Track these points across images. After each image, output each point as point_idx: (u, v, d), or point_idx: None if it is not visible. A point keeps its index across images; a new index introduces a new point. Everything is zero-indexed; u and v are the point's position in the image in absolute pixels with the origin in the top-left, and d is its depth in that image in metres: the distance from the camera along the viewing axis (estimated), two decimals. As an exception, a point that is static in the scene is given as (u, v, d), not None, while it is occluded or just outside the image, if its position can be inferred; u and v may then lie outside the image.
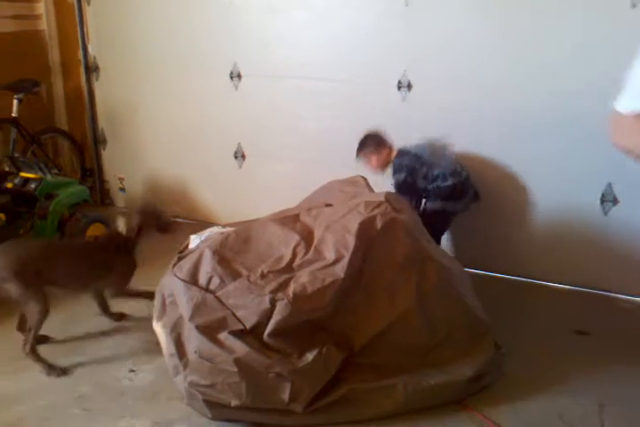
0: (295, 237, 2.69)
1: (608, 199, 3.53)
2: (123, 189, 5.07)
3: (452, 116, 3.73)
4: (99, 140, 5.04)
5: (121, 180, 5.05)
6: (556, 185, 3.63)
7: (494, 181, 3.75)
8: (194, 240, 3.02)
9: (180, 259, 2.89)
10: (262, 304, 2.44)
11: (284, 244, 2.69)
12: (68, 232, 3.81)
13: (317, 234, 2.68)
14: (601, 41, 3.33)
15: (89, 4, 4.70)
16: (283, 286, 2.47)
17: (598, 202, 3.55)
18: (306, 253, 2.61)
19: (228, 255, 2.70)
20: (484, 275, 3.76)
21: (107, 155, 5.07)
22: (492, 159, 3.73)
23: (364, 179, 3.26)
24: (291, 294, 2.43)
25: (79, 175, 5.03)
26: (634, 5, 3.21)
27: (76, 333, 3.14)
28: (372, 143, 3.61)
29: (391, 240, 2.61)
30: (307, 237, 2.69)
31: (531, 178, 3.69)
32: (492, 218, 3.81)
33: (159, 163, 4.83)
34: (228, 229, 3.01)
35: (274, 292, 2.46)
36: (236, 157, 4.52)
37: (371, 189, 3.17)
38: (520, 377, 2.78)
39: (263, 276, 2.55)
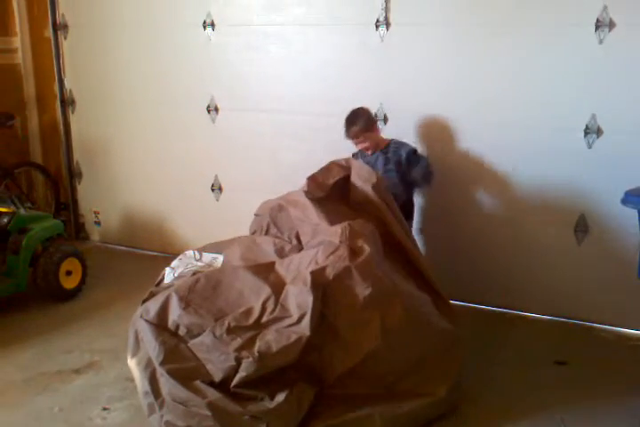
0: (266, 290, 2.63)
1: (582, 229, 3.57)
2: (98, 223, 5.03)
3: (427, 149, 3.77)
4: (74, 174, 5.01)
5: (96, 213, 5.00)
6: (531, 216, 3.67)
7: (469, 210, 3.79)
8: (168, 274, 2.99)
9: (151, 294, 2.85)
10: (227, 361, 2.40)
11: (255, 295, 2.64)
12: (41, 267, 3.75)
13: (286, 287, 2.63)
14: (569, 76, 3.41)
15: (65, 38, 4.73)
16: (248, 344, 2.43)
17: (572, 232, 3.59)
18: (274, 310, 2.55)
19: (196, 301, 2.64)
20: (463, 306, 3.75)
21: (82, 188, 5.03)
22: (465, 186, 3.77)
23: (309, 195, 3.07)
24: (256, 353, 2.38)
25: (54, 209, 4.98)
26: (601, 42, 3.30)
27: (46, 369, 3.06)
28: (368, 120, 3.55)
29: (347, 286, 2.56)
30: (278, 290, 2.63)
31: (502, 207, 3.73)
32: (470, 250, 3.83)
33: (135, 196, 4.80)
34: (200, 264, 2.97)
35: (239, 350, 2.41)
36: (213, 190, 4.52)
37: (316, 207, 2.98)
38: (495, 406, 2.78)
39: (229, 331, 2.49)
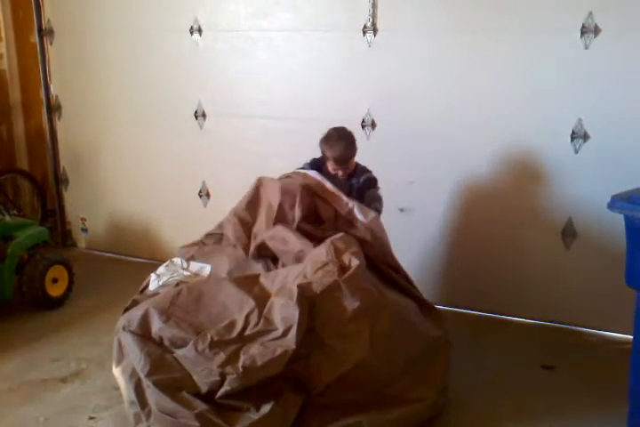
0: (250, 303, 2.58)
1: (569, 233, 3.58)
2: (85, 230, 4.99)
3: (414, 154, 3.78)
4: (60, 181, 4.98)
5: (83, 220, 4.97)
6: (518, 221, 3.68)
7: (457, 216, 3.79)
8: (153, 281, 2.96)
9: (134, 302, 2.82)
10: (211, 376, 2.37)
11: (238, 308, 2.59)
12: (27, 275, 3.72)
13: (270, 300, 2.59)
14: (556, 81, 3.43)
15: (51, 43, 4.71)
16: (231, 359, 2.38)
17: (560, 236, 3.60)
18: (258, 323, 2.50)
19: (178, 314, 2.59)
20: (449, 311, 3.75)
21: (68, 195, 5.00)
22: (453, 194, 3.77)
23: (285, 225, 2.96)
24: (240, 369, 2.33)
25: (40, 216, 4.94)
26: (586, 47, 3.32)
27: (33, 378, 3.03)
28: (356, 146, 3.25)
29: (336, 299, 2.53)
30: (262, 303, 2.58)
31: (490, 213, 3.73)
32: (456, 256, 3.83)
33: (122, 203, 4.77)
34: (186, 273, 2.93)
35: (222, 366, 2.36)
36: (200, 196, 4.50)
37: (295, 234, 2.89)
38: (481, 410, 2.79)
39: (212, 345, 2.43)
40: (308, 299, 2.48)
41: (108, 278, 4.36)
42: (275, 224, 2.96)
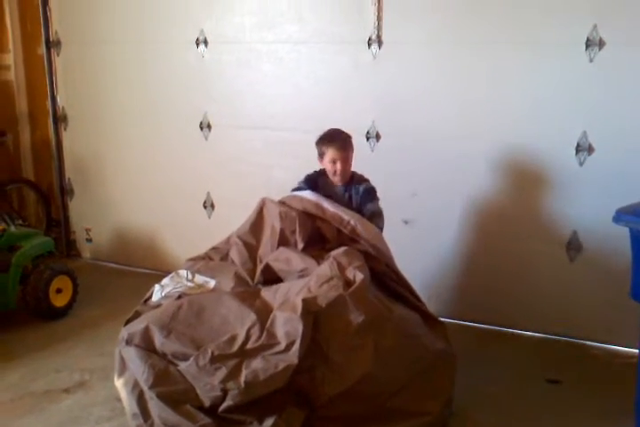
0: (252, 317, 2.56)
1: (574, 247, 3.57)
2: (89, 240, 5.00)
3: (419, 166, 3.78)
4: (65, 191, 5.00)
5: (88, 230, 4.98)
6: (522, 232, 3.67)
7: (460, 228, 3.79)
8: (156, 292, 2.95)
9: (136, 314, 2.81)
10: (213, 391, 2.35)
11: (240, 322, 2.57)
12: (31, 285, 3.72)
13: (273, 314, 2.57)
14: (560, 94, 3.43)
15: (58, 54, 4.74)
16: (233, 374, 2.36)
17: (564, 249, 3.59)
18: (259, 337, 2.48)
19: (179, 329, 2.57)
20: (454, 324, 3.74)
21: (74, 205, 5.01)
22: (456, 206, 3.77)
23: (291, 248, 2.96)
24: (242, 384, 2.32)
25: (45, 226, 4.95)
26: (591, 60, 3.33)
27: (35, 389, 3.02)
28: (351, 140, 3.27)
29: (341, 313, 2.52)
30: (264, 317, 2.56)
31: (494, 225, 3.73)
32: (460, 268, 3.83)
33: (127, 213, 4.78)
34: (190, 284, 2.92)
35: (224, 381, 2.34)
36: (205, 207, 4.51)
37: (299, 254, 2.90)
38: (485, 424, 2.77)
39: (213, 359, 2.41)
40: (312, 313, 2.46)
41: (112, 289, 4.36)
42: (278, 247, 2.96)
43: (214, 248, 3.25)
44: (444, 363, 2.77)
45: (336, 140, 3.23)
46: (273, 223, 3.04)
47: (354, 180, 3.32)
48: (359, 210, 3.21)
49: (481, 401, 2.92)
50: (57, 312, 3.84)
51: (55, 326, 3.75)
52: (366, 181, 3.33)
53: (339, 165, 3.21)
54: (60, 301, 3.86)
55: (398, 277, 2.98)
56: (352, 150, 3.27)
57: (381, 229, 3.22)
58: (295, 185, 3.37)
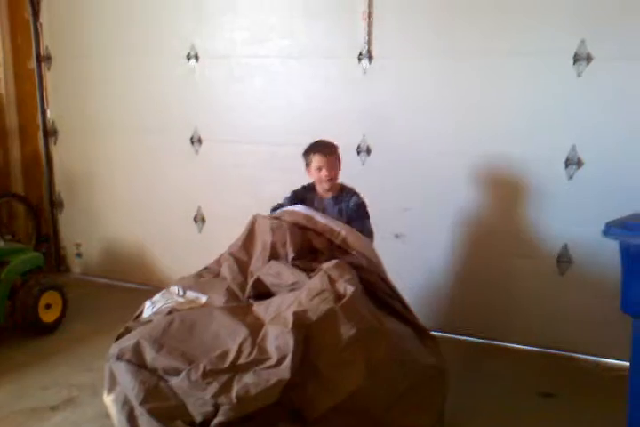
0: (243, 332, 2.54)
1: (564, 260, 3.58)
2: (79, 255, 4.97)
3: (410, 180, 3.79)
4: (55, 205, 4.97)
5: (77, 245, 4.95)
6: (512, 245, 3.68)
7: (451, 243, 3.79)
8: (147, 308, 2.93)
9: (127, 330, 2.78)
10: (205, 406, 2.33)
11: (232, 337, 2.55)
12: (20, 300, 3.69)
13: (264, 329, 2.55)
14: (549, 108, 3.46)
15: (49, 69, 4.74)
16: (225, 389, 2.34)
17: (555, 262, 3.60)
18: (251, 352, 2.46)
19: (170, 344, 2.55)
20: (445, 337, 3.73)
21: (63, 220, 4.99)
22: (447, 221, 3.78)
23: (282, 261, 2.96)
24: (234, 399, 2.30)
25: (34, 241, 4.92)
26: (579, 74, 3.36)
27: (23, 407, 2.98)
28: (338, 149, 3.29)
29: (332, 327, 2.50)
30: (256, 331, 2.55)
31: (485, 239, 3.73)
32: (451, 281, 3.82)
33: (117, 228, 4.76)
34: (180, 300, 2.89)
35: (216, 396, 2.32)
36: (195, 221, 4.49)
37: (290, 268, 2.89)
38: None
39: (205, 375, 2.39)
40: (303, 327, 2.45)
41: (101, 304, 4.33)
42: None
43: (206, 268, 3.23)
44: (435, 377, 2.75)
45: (320, 147, 3.26)
46: (264, 238, 3.04)
47: (344, 192, 3.33)
48: (349, 224, 3.20)
49: (473, 415, 2.91)
50: (46, 328, 3.81)
51: (44, 341, 3.72)
52: (356, 194, 3.34)
53: (324, 171, 3.21)
54: (49, 316, 3.83)
55: (391, 290, 2.97)
56: (339, 160, 3.28)
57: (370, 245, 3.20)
58: (280, 201, 3.36)
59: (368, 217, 3.31)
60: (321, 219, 3.07)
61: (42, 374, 3.29)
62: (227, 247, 3.24)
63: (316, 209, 3.23)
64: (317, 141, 3.31)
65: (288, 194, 3.38)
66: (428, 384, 2.70)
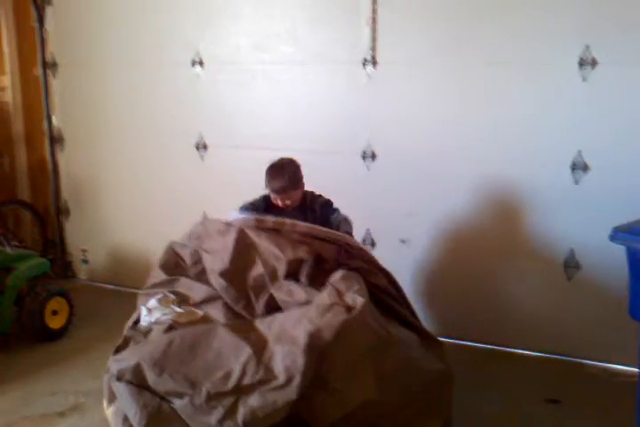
0: (247, 351, 2.44)
1: (571, 265, 3.57)
2: (85, 261, 4.98)
3: (415, 185, 3.79)
4: (61, 212, 4.99)
5: (84, 251, 4.96)
6: (519, 251, 3.67)
7: (458, 248, 3.79)
8: (144, 317, 2.82)
9: (125, 340, 2.72)
10: None
11: (235, 356, 2.45)
12: (26, 307, 3.70)
13: (269, 347, 2.47)
14: (555, 113, 3.45)
15: (55, 76, 4.76)
16: (230, 413, 2.27)
17: (562, 268, 3.59)
18: (256, 372, 2.37)
19: (172, 366, 2.44)
20: (451, 343, 3.72)
21: (69, 226, 5.00)
22: (453, 226, 3.77)
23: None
24: (240, 423, 2.24)
25: (41, 247, 4.93)
26: (584, 79, 3.36)
27: (31, 413, 2.99)
28: (294, 177, 3.21)
29: (343, 341, 2.45)
30: (259, 350, 2.45)
31: (491, 244, 3.73)
32: (458, 287, 3.82)
33: (123, 234, 4.77)
34: (179, 310, 2.79)
35: (221, 421, 2.26)
36: (201, 227, 4.49)
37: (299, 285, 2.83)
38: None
39: (209, 398, 2.31)
40: (319, 348, 2.37)
41: (108, 310, 4.33)
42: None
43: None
44: (441, 383, 2.74)
45: (275, 180, 3.18)
46: (267, 260, 2.87)
47: (307, 201, 3.30)
48: (324, 225, 3.11)
49: (480, 421, 2.90)
50: (52, 334, 3.82)
51: (50, 347, 3.73)
52: (320, 197, 3.33)
53: (280, 201, 3.21)
54: (55, 322, 3.84)
55: (398, 293, 2.96)
56: (292, 188, 3.19)
57: (351, 234, 3.17)
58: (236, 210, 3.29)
59: (337, 209, 3.31)
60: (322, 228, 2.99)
61: (49, 380, 3.29)
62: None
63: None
64: (274, 172, 3.19)
65: (246, 203, 3.36)
66: (435, 390, 2.69)
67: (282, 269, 2.81)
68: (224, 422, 2.26)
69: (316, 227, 2.94)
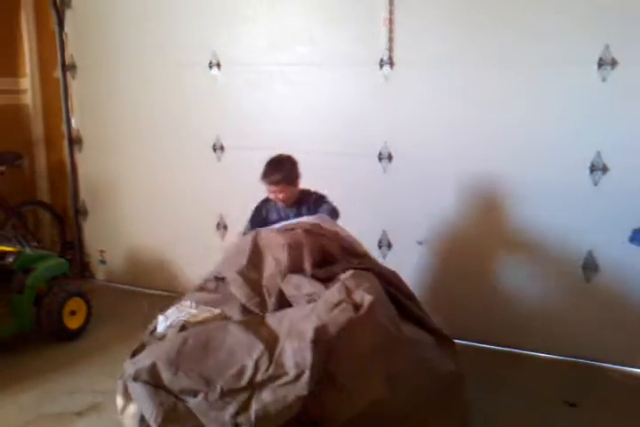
0: (259, 347, 2.48)
1: (590, 267, 3.54)
2: (103, 262, 5.01)
3: (432, 187, 3.78)
4: (80, 213, 5.03)
5: (101, 252, 5.00)
6: (538, 254, 3.64)
7: (475, 249, 3.76)
8: (160, 323, 2.86)
9: (142, 345, 2.74)
10: None
11: (247, 352, 2.49)
12: (45, 307, 3.73)
13: (280, 342, 2.50)
14: (574, 113, 3.43)
15: (74, 78, 4.80)
16: (243, 408, 2.31)
17: (581, 270, 3.56)
18: (268, 368, 2.41)
19: (186, 364, 2.48)
20: (467, 345, 3.70)
21: (88, 227, 5.04)
22: (471, 228, 3.75)
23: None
24: (253, 419, 2.28)
25: (60, 248, 4.98)
26: (604, 79, 3.32)
27: (47, 412, 3.01)
28: (291, 172, 3.34)
29: (351, 338, 2.46)
30: (271, 345, 2.49)
31: (511, 247, 3.70)
32: (475, 288, 3.79)
33: (141, 235, 4.80)
34: (194, 311, 2.84)
35: (234, 416, 2.30)
36: (218, 229, 4.51)
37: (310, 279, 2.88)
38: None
39: (222, 395, 2.36)
40: (324, 343, 2.40)
41: (125, 310, 4.36)
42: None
43: (207, 279, 3.18)
44: (454, 384, 2.71)
45: (268, 175, 3.31)
46: (275, 253, 2.96)
47: (303, 200, 3.41)
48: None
49: (498, 424, 2.87)
50: (71, 334, 3.84)
51: (69, 347, 3.75)
52: (314, 193, 3.43)
53: (273, 195, 3.35)
54: (73, 323, 3.86)
55: (410, 292, 2.96)
56: (289, 183, 3.32)
57: (332, 218, 3.29)
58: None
59: (328, 201, 3.40)
60: (327, 225, 3.10)
61: (67, 379, 3.32)
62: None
63: (281, 218, 3.35)
64: (268, 168, 3.33)
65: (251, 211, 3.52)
66: (448, 392, 2.67)
67: (283, 256, 2.90)
68: (237, 417, 2.30)
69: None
